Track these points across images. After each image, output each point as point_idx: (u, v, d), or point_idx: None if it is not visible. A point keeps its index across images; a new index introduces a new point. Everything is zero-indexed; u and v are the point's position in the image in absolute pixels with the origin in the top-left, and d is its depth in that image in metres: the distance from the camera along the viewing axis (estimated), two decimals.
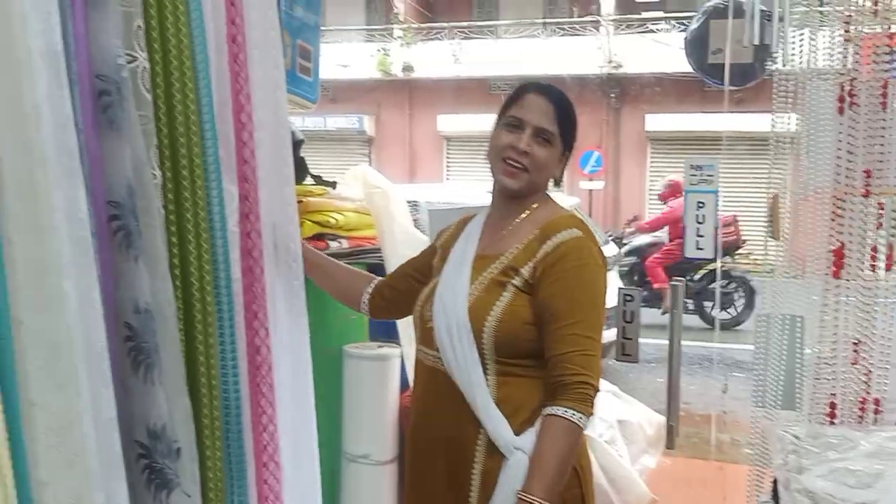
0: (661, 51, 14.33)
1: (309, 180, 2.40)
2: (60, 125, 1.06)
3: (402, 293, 1.79)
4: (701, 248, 2.25)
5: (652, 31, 15.40)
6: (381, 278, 1.89)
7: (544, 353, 1.49)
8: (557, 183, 1.67)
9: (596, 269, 1.53)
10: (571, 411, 1.43)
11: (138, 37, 1.25)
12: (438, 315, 1.57)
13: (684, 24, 14.30)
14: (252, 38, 1.57)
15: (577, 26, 16.00)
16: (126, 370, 1.25)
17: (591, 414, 1.46)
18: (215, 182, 1.43)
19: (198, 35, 1.37)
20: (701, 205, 2.23)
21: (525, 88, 1.62)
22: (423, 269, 1.78)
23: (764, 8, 2.41)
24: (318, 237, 2.55)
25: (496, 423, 1.48)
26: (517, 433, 1.48)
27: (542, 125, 1.57)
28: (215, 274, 1.44)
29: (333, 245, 2.26)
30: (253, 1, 1.57)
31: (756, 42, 2.18)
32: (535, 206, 1.63)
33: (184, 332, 1.35)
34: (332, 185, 2.41)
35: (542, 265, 1.52)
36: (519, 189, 1.60)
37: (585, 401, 1.45)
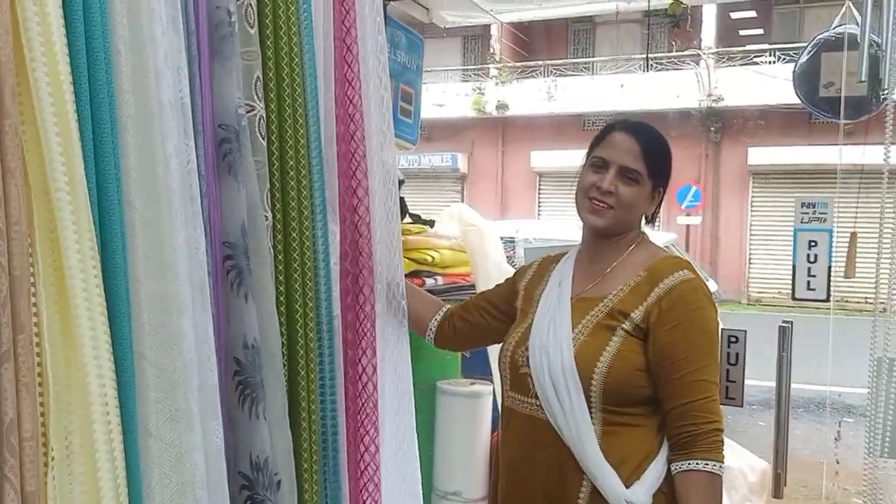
0: (764, 83, 13.92)
1: (407, 219, 2.45)
2: (186, 172, 1.14)
3: (473, 325, 1.79)
4: (812, 289, 2.15)
5: (755, 62, 14.99)
6: (450, 306, 1.87)
7: (662, 402, 1.47)
8: (650, 221, 1.65)
9: (711, 312, 1.52)
10: (712, 462, 1.42)
11: (257, 87, 1.32)
12: (537, 361, 1.54)
13: (788, 56, 13.87)
14: (366, 80, 1.63)
15: (675, 60, 15.76)
16: (233, 404, 1.30)
17: (724, 461, 1.44)
18: (321, 223, 1.49)
19: (310, 84, 1.44)
20: (813, 244, 2.14)
21: (611, 127, 1.61)
22: (499, 305, 1.76)
23: (877, 39, 2.32)
24: (415, 274, 2.60)
25: (605, 476, 1.45)
26: (626, 485, 1.45)
27: (626, 164, 1.55)
28: (317, 311, 1.49)
29: (429, 282, 2.30)
30: (367, 47, 1.63)
31: (865, 78, 2.09)
32: (632, 246, 1.60)
33: (287, 368, 1.40)
34: (431, 223, 2.46)
35: (656, 309, 1.49)
36: (606, 227, 1.58)
37: (720, 449, 1.43)
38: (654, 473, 1.46)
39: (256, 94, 1.33)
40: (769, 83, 13.57)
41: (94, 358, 0.99)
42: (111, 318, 1.03)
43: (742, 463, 3.16)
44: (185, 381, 1.12)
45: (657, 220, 1.69)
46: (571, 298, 1.59)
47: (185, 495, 1.13)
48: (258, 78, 1.33)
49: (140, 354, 1.08)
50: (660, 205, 1.63)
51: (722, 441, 1.44)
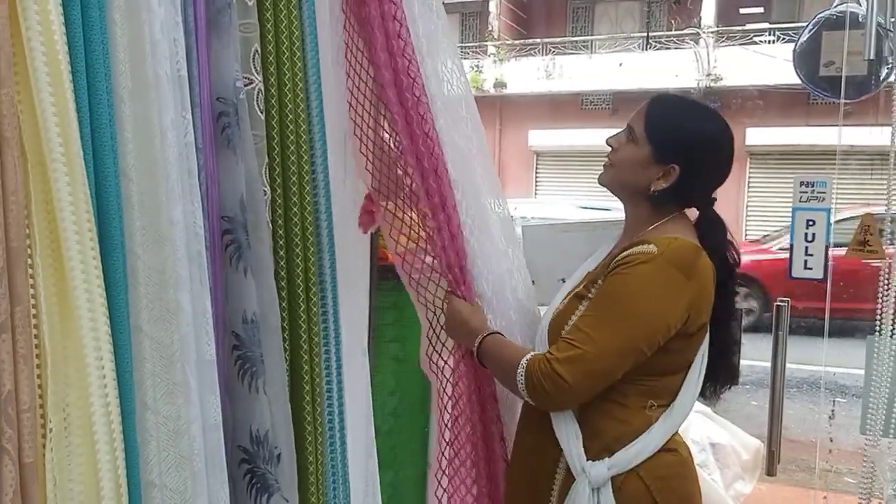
0: (764, 63, 13.85)
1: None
2: (183, 146, 1.13)
3: None
4: (809, 268, 2.15)
5: (754, 42, 14.91)
6: None
7: (629, 374, 1.43)
8: (654, 197, 1.49)
9: (648, 285, 1.40)
10: (522, 369, 1.41)
11: (255, 61, 1.31)
12: (537, 333, 1.58)
13: (788, 35, 13.79)
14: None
15: (675, 39, 15.67)
16: (232, 378, 1.31)
17: (531, 394, 1.41)
18: (324, 198, 1.48)
19: (311, 57, 1.43)
20: (811, 223, 2.14)
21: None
22: None
23: (881, 20, 2.30)
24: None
25: (570, 445, 1.45)
26: (593, 458, 1.43)
27: (631, 123, 1.52)
28: (321, 286, 1.48)
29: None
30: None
31: (872, 56, 2.08)
32: (657, 224, 1.50)
33: (289, 343, 1.40)
34: None
35: (606, 274, 1.45)
36: (605, 184, 1.56)
37: (533, 376, 1.39)
38: (627, 455, 1.42)
39: (255, 68, 1.31)
40: (768, 63, 13.50)
41: (92, 330, 0.98)
42: (108, 290, 1.03)
43: (735, 441, 3.19)
44: (183, 354, 1.12)
45: (678, 206, 1.51)
46: (585, 275, 1.57)
47: (182, 468, 1.13)
48: (256, 51, 1.32)
49: (137, 327, 1.08)
50: (679, 186, 1.47)
51: (537, 376, 1.39)
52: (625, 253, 1.44)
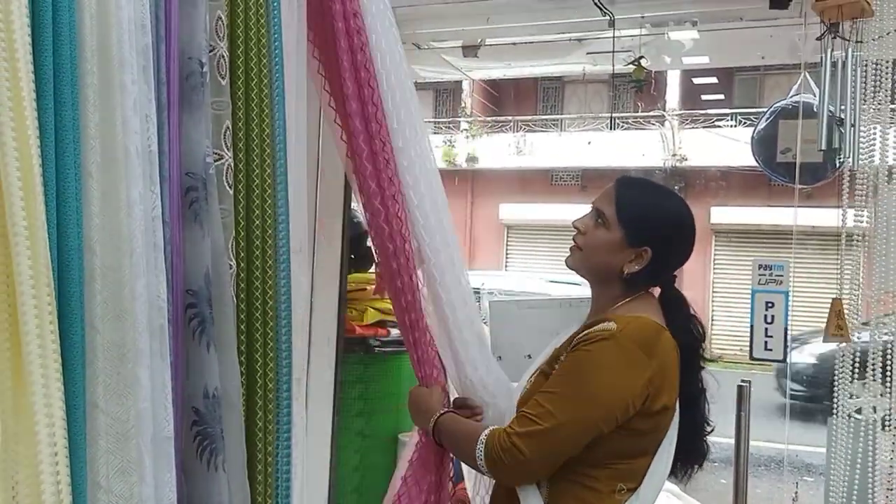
0: (726, 145, 14.31)
1: (374, 268, 2.46)
2: (150, 220, 1.13)
3: None
4: (769, 350, 2.19)
5: (717, 125, 15.45)
6: None
7: (597, 458, 1.43)
8: (626, 279, 1.51)
9: (607, 363, 1.40)
10: (482, 445, 1.41)
11: (226, 137, 1.33)
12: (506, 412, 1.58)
13: (749, 120, 14.33)
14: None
15: (641, 120, 16.18)
16: (190, 455, 1.28)
17: (490, 468, 1.41)
18: (284, 272, 1.49)
19: (279, 135, 1.45)
20: (770, 305, 2.19)
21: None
22: None
23: (832, 110, 2.42)
24: (380, 324, 2.59)
25: None
26: None
27: (598, 206, 1.54)
28: (277, 362, 1.47)
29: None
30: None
31: (824, 147, 2.17)
32: (622, 304, 1.52)
33: (245, 420, 1.38)
34: None
35: (568, 351, 1.46)
36: (572, 267, 1.57)
37: (493, 450, 1.39)
38: None
39: (225, 144, 1.34)
40: (731, 145, 13.95)
41: (46, 406, 0.96)
42: (65, 365, 1.01)
43: None
44: (139, 431, 1.10)
45: (647, 286, 1.55)
46: (552, 353, 1.58)
47: None
48: (228, 128, 1.34)
49: (93, 403, 1.06)
50: (651, 267, 1.50)
51: (497, 451, 1.39)
52: (586, 331, 1.46)
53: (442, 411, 1.59)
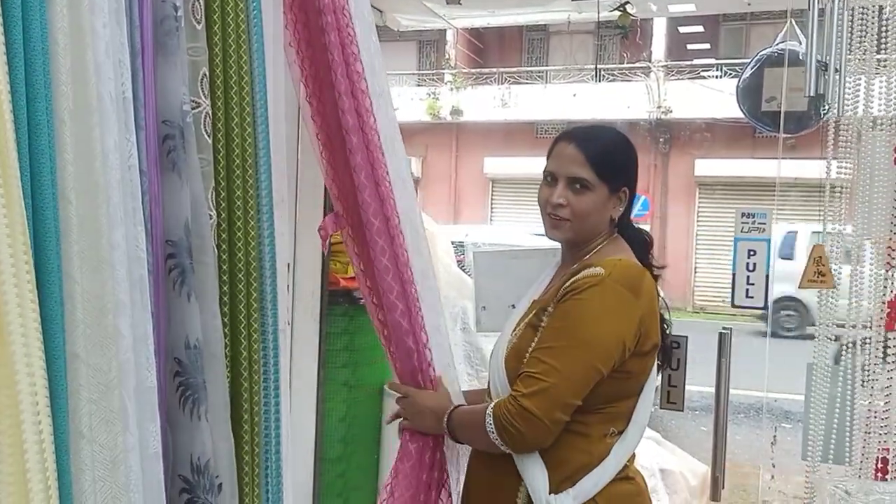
0: (712, 97, 14.27)
1: None
2: (126, 168, 1.11)
3: None
4: (751, 297, 2.21)
5: (702, 76, 15.36)
6: None
7: (589, 403, 1.44)
8: (618, 224, 1.56)
9: (590, 304, 1.42)
10: (490, 418, 1.41)
11: (203, 84, 1.30)
12: (490, 367, 1.58)
13: (734, 70, 14.25)
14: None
15: (626, 72, 16.05)
16: (174, 405, 1.28)
17: (506, 439, 1.41)
18: (267, 223, 1.47)
19: (259, 82, 1.42)
20: (752, 252, 2.20)
21: (558, 139, 1.58)
22: None
23: (819, 58, 2.40)
24: None
25: (532, 477, 1.44)
26: (556, 490, 1.43)
27: (572, 174, 1.51)
28: (262, 312, 1.47)
29: None
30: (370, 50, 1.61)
31: (812, 94, 2.15)
32: (597, 248, 1.54)
33: (229, 369, 1.38)
34: None
35: (554, 301, 1.47)
36: (566, 239, 1.57)
37: (503, 419, 1.39)
38: (589, 483, 1.44)
39: (202, 91, 1.30)
40: (716, 97, 13.91)
41: (25, 356, 0.95)
42: (44, 316, 0.99)
43: (683, 467, 3.22)
44: (121, 381, 1.09)
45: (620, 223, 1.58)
46: (530, 303, 1.59)
47: (119, 499, 1.10)
48: (204, 74, 1.31)
49: (73, 354, 1.05)
50: (630, 205, 1.57)
51: (511, 416, 1.39)
52: (573, 279, 1.46)
53: (451, 408, 1.55)
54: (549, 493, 1.43)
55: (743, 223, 2.23)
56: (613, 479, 1.46)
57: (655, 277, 1.56)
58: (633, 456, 1.54)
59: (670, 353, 1.65)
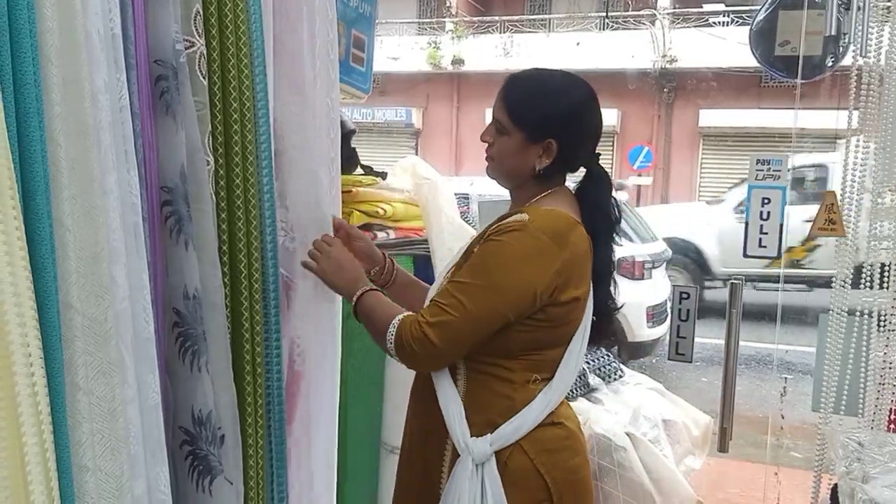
0: (718, 45, 14.00)
1: (359, 171, 2.38)
2: (117, 110, 1.06)
3: None
4: (764, 247, 2.15)
5: (709, 24, 15.06)
6: None
7: (512, 349, 1.44)
8: (541, 175, 1.49)
9: (517, 252, 1.40)
10: (393, 329, 1.41)
11: (197, 22, 1.24)
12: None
13: (742, 18, 13.96)
14: (310, 19, 1.55)
15: (632, 20, 15.74)
16: (173, 356, 1.25)
17: (400, 354, 1.42)
18: (267, 170, 1.42)
19: (255, 21, 1.36)
20: (766, 201, 2.14)
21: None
22: None
23: None
24: (366, 227, 2.54)
25: (453, 422, 1.45)
26: (477, 434, 1.43)
27: (495, 115, 1.52)
28: (262, 261, 1.43)
29: (381, 235, 2.25)
30: None
31: (834, 33, 2.05)
32: (537, 199, 1.51)
33: (230, 320, 1.35)
34: (383, 175, 2.40)
35: (480, 242, 1.46)
36: (493, 178, 1.56)
37: (403, 337, 1.40)
38: (510, 429, 1.43)
39: (196, 30, 1.24)
40: (722, 45, 13.66)
41: (16, 306, 0.92)
42: (34, 264, 0.95)
43: (686, 417, 3.21)
44: (118, 332, 1.06)
45: (564, 174, 1.53)
46: (466, 249, 1.55)
47: (118, 451, 1.07)
48: (198, 12, 1.25)
49: (67, 304, 1.01)
50: (561, 156, 1.47)
51: (405, 338, 1.40)
52: (500, 223, 1.46)
53: (368, 287, 1.55)
54: (470, 437, 1.43)
55: (758, 170, 2.16)
56: (540, 425, 1.46)
57: (612, 223, 1.53)
58: (564, 402, 1.54)
59: (606, 326, 1.59)
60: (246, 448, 1.34)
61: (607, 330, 1.60)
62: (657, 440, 3.00)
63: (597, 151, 1.55)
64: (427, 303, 1.49)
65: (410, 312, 1.45)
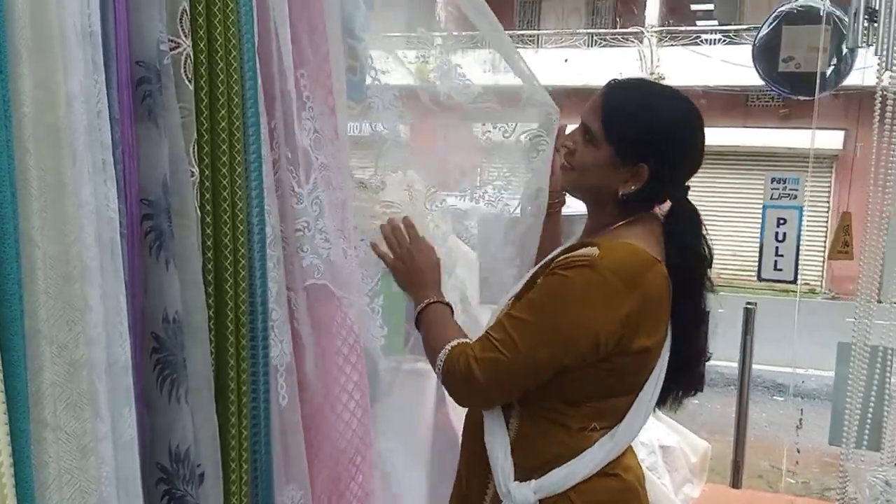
0: (706, 64, 14.10)
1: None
2: (94, 115, 0.96)
3: None
4: (779, 269, 2.07)
5: (697, 43, 15.16)
6: None
7: (573, 395, 1.32)
8: (623, 201, 1.35)
9: (582, 292, 1.26)
10: (444, 355, 1.33)
11: (183, 21, 1.14)
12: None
13: (728, 38, 14.07)
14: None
15: (619, 37, 15.83)
16: (150, 386, 1.14)
17: (445, 381, 1.34)
18: (256, 182, 1.33)
19: (245, 22, 1.26)
20: (782, 221, 2.05)
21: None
22: None
23: (838, 14, 2.26)
24: None
25: (498, 462, 1.34)
26: (521, 478, 1.32)
27: (585, 121, 1.36)
28: (250, 282, 1.33)
29: None
30: None
31: (856, 45, 1.98)
32: (616, 226, 1.36)
33: (214, 345, 1.24)
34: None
35: (545, 274, 1.33)
36: (567, 189, 1.47)
37: (451, 365, 1.31)
38: (559, 476, 1.31)
39: (182, 29, 1.14)
40: (709, 64, 13.74)
41: None
42: None
43: (683, 444, 3.14)
44: (90, 360, 0.95)
45: (649, 205, 1.38)
46: (531, 276, 1.45)
47: (88, 493, 0.96)
48: (184, 11, 1.15)
49: (34, 329, 0.91)
50: (650, 185, 1.33)
51: (455, 367, 1.31)
52: (568, 254, 1.32)
53: (437, 298, 1.46)
54: (513, 481, 1.33)
55: (773, 189, 2.07)
56: (595, 475, 1.33)
57: (703, 265, 1.38)
58: (629, 451, 1.40)
59: (696, 376, 1.43)
60: (228, 486, 1.23)
61: (699, 379, 1.44)
62: (654, 467, 2.91)
63: (688, 185, 1.39)
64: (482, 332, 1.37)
65: (465, 340, 1.35)
